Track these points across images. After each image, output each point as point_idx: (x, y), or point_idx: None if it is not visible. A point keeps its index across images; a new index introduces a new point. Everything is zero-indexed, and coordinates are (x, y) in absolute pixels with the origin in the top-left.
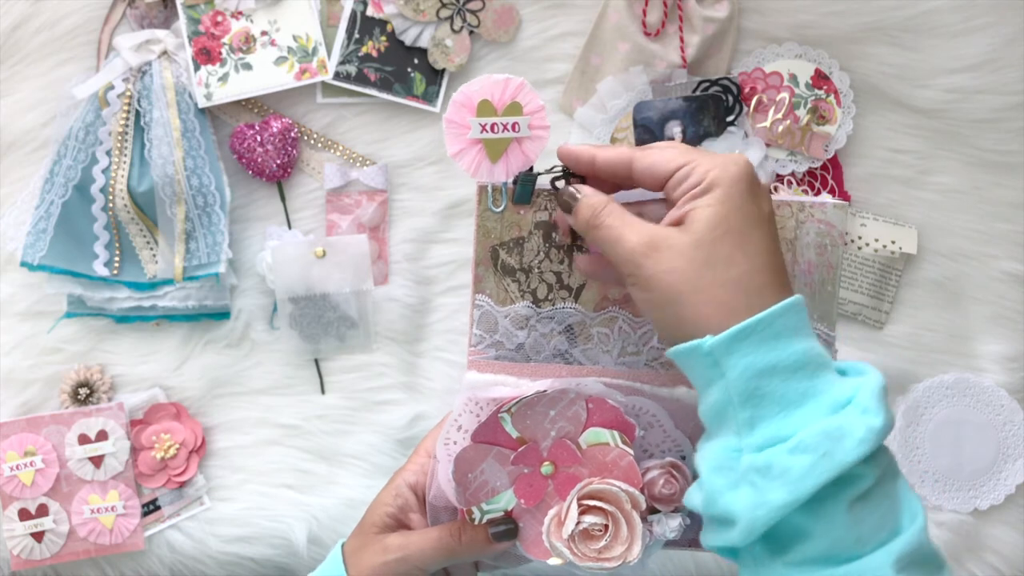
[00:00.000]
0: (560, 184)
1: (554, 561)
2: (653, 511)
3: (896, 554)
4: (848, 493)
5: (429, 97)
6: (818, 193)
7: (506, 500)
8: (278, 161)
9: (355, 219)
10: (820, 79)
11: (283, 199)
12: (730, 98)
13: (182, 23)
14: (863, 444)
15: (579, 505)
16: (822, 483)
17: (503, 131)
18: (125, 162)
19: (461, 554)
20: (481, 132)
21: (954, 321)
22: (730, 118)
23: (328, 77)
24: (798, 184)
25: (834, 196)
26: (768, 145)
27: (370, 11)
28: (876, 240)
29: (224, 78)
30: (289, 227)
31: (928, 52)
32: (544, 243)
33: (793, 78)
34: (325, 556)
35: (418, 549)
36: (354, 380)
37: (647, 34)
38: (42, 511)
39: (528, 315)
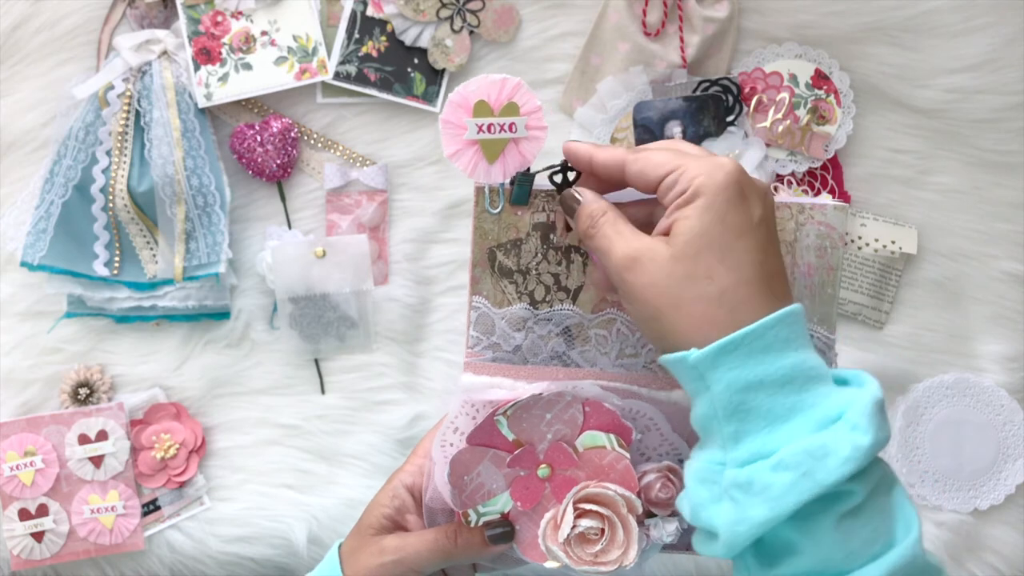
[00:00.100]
0: (558, 179)
1: (551, 564)
2: (650, 515)
3: (888, 568)
4: (836, 509)
5: (429, 97)
6: (818, 193)
7: (502, 503)
8: (278, 161)
9: (355, 219)
10: (820, 79)
11: (283, 199)
12: (730, 98)
13: (182, 23)
14: (847, 463)
15: (575, 509)
16: (803, 501)
17: (500, 132)
18: (125, 162)
19: (457, 556)
20: (478, 133)
21: (954, 321)
22: (730, 118)
23: (328, 77)
24: (798, 184)
25: (834, 196)
26: (768, 145)
27: (370, 11)
28: (876, 240)
29: (224, 78)
30: (289, 227)
31: (928, 52)
32: (542, 244)
33: (793, 78)
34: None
35: (414, 551)
36: (354, 380)
37: (647, 34)
38: (42, 511)
39: (525, 317)
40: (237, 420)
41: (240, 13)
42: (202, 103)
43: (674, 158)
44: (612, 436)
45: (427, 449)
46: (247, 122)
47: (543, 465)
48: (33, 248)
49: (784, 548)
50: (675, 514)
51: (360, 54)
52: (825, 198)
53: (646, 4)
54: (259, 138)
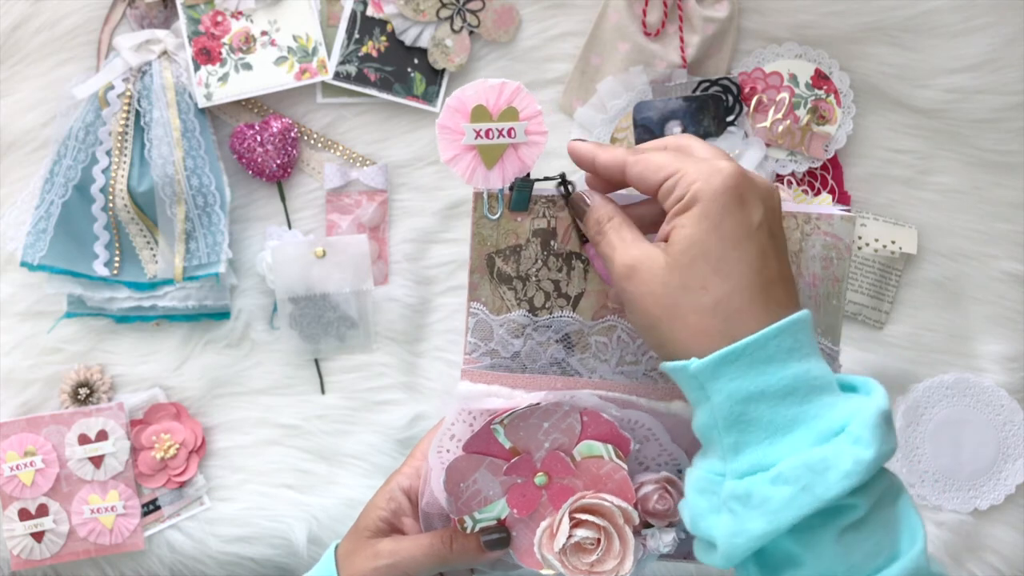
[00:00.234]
0: (561, 189)
1: (547, 572)
2: (647, 525)
3: None
4: (837, 523)
5: (429, 97)
6: (818, 193)
7: (499, 509)
8: (278, 161)
9: (355, 219)
10: (820, 79)
11: (283, 199)
12: (730, 98)
13: (182, 23)
14: (848, 478)
15: (571, 518)
16: (802, 516)
17: (498, 137)
18: (125, 162)
19: (452, 562)
20: (475, 138)
21: (954, 321)
22: (730, 118)
23: (328, 77)
24: (798, 184)
25: (834, 196)
26: (768, 145)
27: (370, 11)
28: (876, 240)
29: (224, 78)
30: (289, 227)
31: (928, 52)
32: (542, 251)
33: (793, 78)
34: None
35: (409, 556)
36: (354, 380)
37: (647, 34)
38: (42, 511)
39: (524, 323)
40: (237, 420)
41: (240, 13)
42: (202, 103)
43: (673, 161)
44: (610, 447)
45: (425, 451)
46: (247, 122)
47: (540, 473)
48: (33, 248)
49: (785, 560)
50: (672, 525)
51: (360, 54)
52: (825, 198)
53: (646, 4)
54: (259, 138)
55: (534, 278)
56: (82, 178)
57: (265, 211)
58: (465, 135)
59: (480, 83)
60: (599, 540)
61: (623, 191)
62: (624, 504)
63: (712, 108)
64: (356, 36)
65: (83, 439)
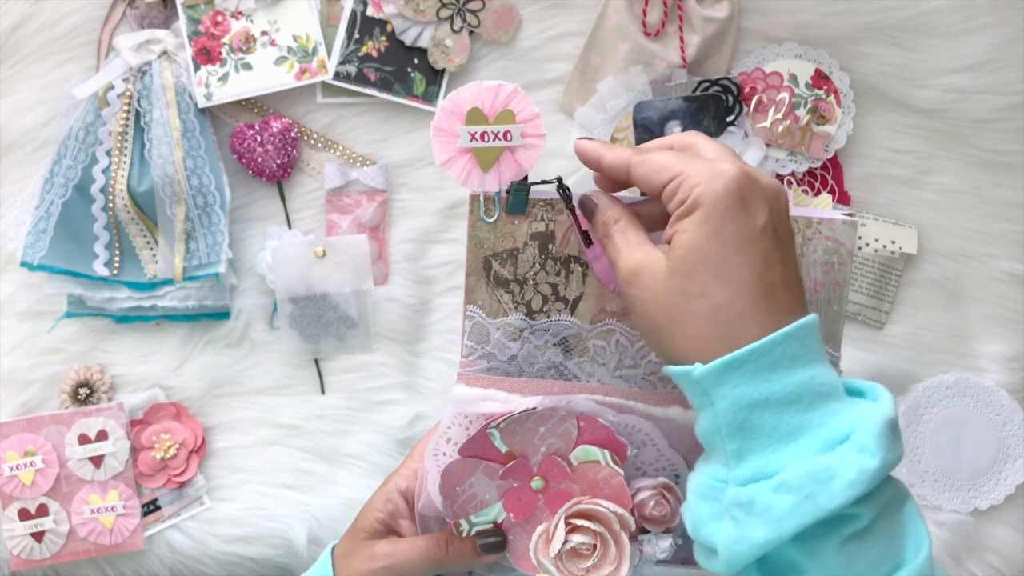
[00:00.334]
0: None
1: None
2: (644, 531)
3: None
4: (840, 532)
5: (429, 97)
6: (818, 193)
7: (495, 513)
8: (278, 161)
9: (355, 219)
10: (820, 79)
11: (283, 199)
12: (730, 98)
13: (182, 23)
14: (852, 487)
15: (567, 524)
16: (804, 525)
17: (494, 140)
18: (125, 162)
19: (448, 565)
20: (470, 141)
21: (954, 321)
22: (730, 118)
23: (328, 77)
24: (798, 184)
25: (834, 196)
26: (768, 145)
27: (370, 11)
28: (876, 240)
29: (224, 78)
30: (289, 227)
31: (928, 52)
32: (540, 254)
33: (793, 78)
34: None
35: (404, 558)
36: (354, 380)
37: (647, 34)
38: (42, 511)
39: (521, 327)
40: (237, 420)
41: (240, 13)
42: (202, 103)
43: (676, 163)
44: (606, 452)
45: (422, 453)
46: (247, 122)
47: (537, 477)
48: (33, 248)
49: (787, 568)
50: (669, 531)
51: (360, 54)
52: (825, 198)
53: (646, 4)
54: (259, 138)
55: (532, 281)
56: (82, 178)
57: (265, 211)
58: (460, 138)
59: (476, 85)
60: (595, 546)
61: (631, 190)
62: (620, 510)
63: (712, 108)
64: (356, 36)
65: (83, 439)
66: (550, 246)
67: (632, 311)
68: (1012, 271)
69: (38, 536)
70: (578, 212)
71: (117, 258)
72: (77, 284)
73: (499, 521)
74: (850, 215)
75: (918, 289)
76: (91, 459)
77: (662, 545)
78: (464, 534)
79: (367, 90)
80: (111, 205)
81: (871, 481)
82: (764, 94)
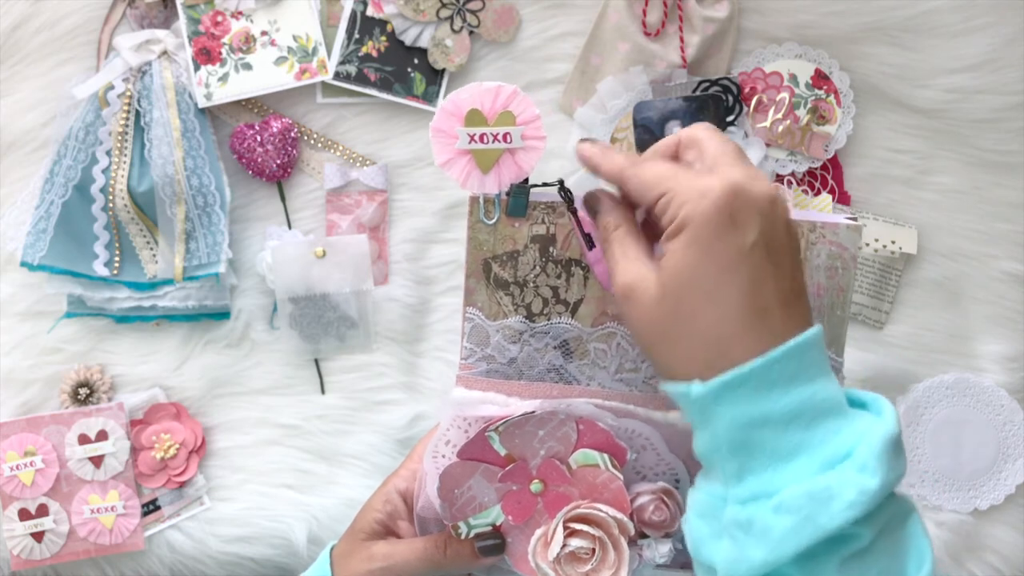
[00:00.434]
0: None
1: None
2: (643, 535)
3: None
4: (840, 552)
5: (429, 97)
6: (818, 193)
7: (494, 515)
8: (278, 161)
9: (355, 219)
10: (820, 79)
11: (283, 199)
12: (730, 98)
13: (182, 23)
14: (852, 508)
15: (566, 528)
16: (804, 546)
17: (494, 142)
18: (125, 162)
19: (446, 567)
20: (469, 143)
21: (954, 321)
22: (730, 118)
23: (328, 77)
24: (798, 184)
25: (834, 196)
26: (768, 145)
27: (370, 11)
28: (876, 240)
29: (224, 78)
30: (289, 227)
31: (928, 52)
32: (541, 257)
33: (793, 78)
34: None
35: (403, 560)
36: (354, 380)
37: (647, 34)
38: (42, 511)
39: (521, 330)
40: (237, 420)
41: (240, 13)
42: (202, 103)
43: (665, 178)
44: (606, 456)
45: (421, 454)
46: (247, 122)
47: (536, 480)
48: (33, 248)
49: None
50: (669, 535)
51: (360, 54)
52: (825, 198)
53: (646, 4)
54: (259, 138)
55: (532, 284)
56: (82, 178)
57: (265, 211)
58: (459, 139)
59: (475, 86)
60: (594, 550)
61: None
62: (619, 515)
63: (712, 108)
64: (356, 36)
65: (83, 439)
66: (551, 249)
67: (628, 327)
68: (1012, 271)
69: (38, 536)
70: (580, 215)
71: (117, 258)
72: (77, 284)
73: (498, 524)
74: (853, 218)
75: (918, 289)
76: (91, 459)
77: (661, 550)
78: (463, 536)
79: (367, 90)
80: (111, 205)
81: (871, 501)
82: (764, 94)
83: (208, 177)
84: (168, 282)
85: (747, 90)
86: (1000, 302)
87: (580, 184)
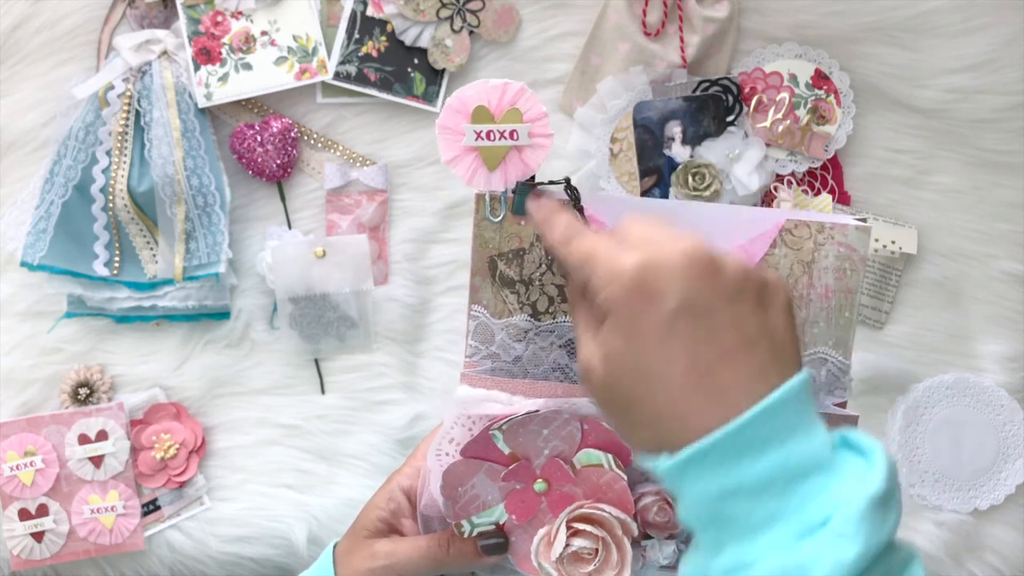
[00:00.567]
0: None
1: None
2: (647, 536)
3: None
4: None
5: (429, 97)
6: (818, 193)
7: (497, 514)
8: (278, 161)
9: (355, 219)
10: (820, 79)
11: (283, 199)
12: (730, 98)
13: (182, 23)
14: None
15: (569, 528)
16: None
17: (500, 139)
18: (125, 162)
19: (449, 565)
20: (476, 140)
21: (954, 321)
22: (730, 118)
23: (328, 77)
24: (798, 184)
25: (834, 196)
26: (768, 145)
27: (370, 11)
28: (876, 240)
29: (224, 78)
30: (289, 227)
31: (928, 52)
32: (547, 255)
33: (793, 78)
34: None
35: (406, 557)
36: (354, 380)
37: (647, 34)
38: (42, 511)
39: (527, 328)
40: (237, 420)
41: (240, 13)
42: (202, 103)
43: (588, 259)
44: (610, 456)
45: (426, 452)
46: (247, 122)
47: (540, 480)
48: (33, 248)
49: None
50: (672, 536)
51: (360, 54)
52: (825, 198)
53: (646, 4)
54: (259, 138)
55: (538, 282)
56: (82, 178)
57: (265, 211)
58: (465, 136)
59: (482, 83)
60: (597, 550)
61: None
62: (623, 515)
63: (712, 108)
64: (356, 36)
65: (83, 439)
66: None
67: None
68: (1012, 271)
69: (38, 536)
70: (587, 212)
71: (117, 258)
72: (77, 284)
73: (501, 523)
74: (863, 219)
75: (918, 289)
76: (91, 459)
77: (665, 551)
78: (466, 535)
79: (367, 90)
80: (111, 205)
81: (849, 573)
82: (764, 94)
83: (208, 177)
84: (168, 282)
85: (747, 90)
86: (1000, 302)
87: (583, 183)
